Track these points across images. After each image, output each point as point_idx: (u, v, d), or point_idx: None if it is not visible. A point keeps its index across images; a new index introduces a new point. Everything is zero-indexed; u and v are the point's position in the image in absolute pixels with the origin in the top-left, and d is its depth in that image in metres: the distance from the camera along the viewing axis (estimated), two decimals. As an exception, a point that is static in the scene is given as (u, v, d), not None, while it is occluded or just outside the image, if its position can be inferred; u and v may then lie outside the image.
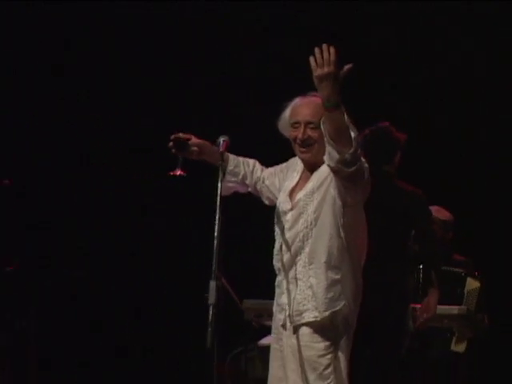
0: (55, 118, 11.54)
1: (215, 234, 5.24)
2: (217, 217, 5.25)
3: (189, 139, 5.79)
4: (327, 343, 5.51)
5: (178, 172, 5.74)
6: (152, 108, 11.77)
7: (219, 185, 5.46)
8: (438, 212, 8.54)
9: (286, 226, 5.65)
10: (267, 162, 6.12)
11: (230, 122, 10.35)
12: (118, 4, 11.73)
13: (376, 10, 11.85)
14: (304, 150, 5.58)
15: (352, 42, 11.09)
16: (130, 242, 9.81)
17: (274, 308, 5.76)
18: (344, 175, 5.21)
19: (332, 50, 5.07)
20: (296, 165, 5.82)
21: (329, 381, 5.47)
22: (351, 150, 5.11)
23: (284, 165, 5.95)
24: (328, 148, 5.16)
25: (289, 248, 5.61)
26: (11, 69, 11.78)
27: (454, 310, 8.36)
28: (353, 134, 5.13)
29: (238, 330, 7.83)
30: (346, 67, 5.09)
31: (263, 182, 5.96)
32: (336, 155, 5.13)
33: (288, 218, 5.64)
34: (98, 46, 11.90)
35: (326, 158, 5.22)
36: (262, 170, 5.98)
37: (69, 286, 9.05)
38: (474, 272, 8.94)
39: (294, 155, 5.83)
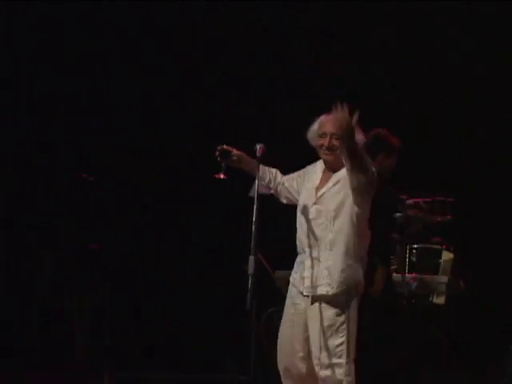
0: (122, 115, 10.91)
1: (253, 219, 5.64)
2: (255, 207, 5.68)
3: (231, 151, 6.06)
4: (341, 307, 5.87)
5: (222, 176, 6.06)
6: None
7: (256, 182, 5.88)
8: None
9: (311, 216, 5.95)
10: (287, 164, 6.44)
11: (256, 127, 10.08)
12: (121, 4, 11.04)
13: (376, 10, 11.27)
14: (328, 153, 5.89)
15: (352, 42, 11.16)
16: (189, 229, 9.37)
17: (292, 279, 6.10)
18: (361, 193, 5.75)
19: (344, 109, 5.49)
20: (314, 169, 6.19)
21: (342, 334, 5.83)
22: (368, 177, 5.68)
23: (302, 171, 6.29)
24: (349, 175, 5.70)
25: (313, 235, 5.95)
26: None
27: (436, 278, 8.58)
28: (368, 163, 5.72)
29: (270, 295, 7.86)
30: (355, 118, 5.52)
31: (283, 184, 6.25)
32: (355, 182, 5.67)
33: (312, 210, 5.95)
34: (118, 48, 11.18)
35: (349, 180, 5.71)
36: (282, 177, 6.28)
37: (136, 262, 9.10)
38: (449, 246, 8.99)
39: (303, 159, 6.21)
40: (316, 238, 5.97)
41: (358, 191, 5.79)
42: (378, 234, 6.87)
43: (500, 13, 10.90)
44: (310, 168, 6.26)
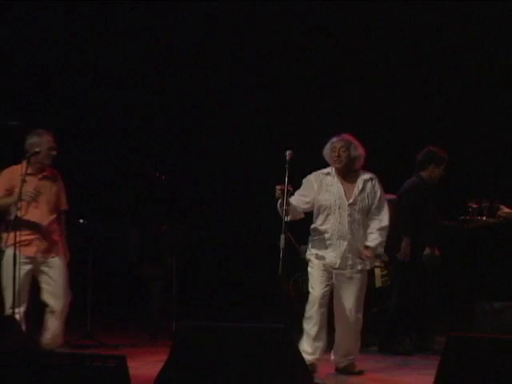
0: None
1: (284, 210, 6.11)
2: (284, 202, 6.11)
3: (292, 191, 6.30)
4: (365, 275, 6.61)
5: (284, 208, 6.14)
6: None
7: (286, 179, 6.21)
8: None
9: (347, 212, 6.38)
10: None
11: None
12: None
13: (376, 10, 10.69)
14: (338, 161, 6.38)
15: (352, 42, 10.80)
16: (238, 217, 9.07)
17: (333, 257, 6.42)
18: None
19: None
20: (317, 178, 6.52)
21: (364, 291, 6.57)
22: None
23: (306, 185, 6.54)
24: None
25: (350, 225, 6.38)
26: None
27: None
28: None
29: (296, 264, 7.97)
30: None
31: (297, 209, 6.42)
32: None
33: (348, 210, 6.38)
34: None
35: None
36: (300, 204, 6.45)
37: (195, 239, 8.95)
38: None
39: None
40: (347, 230, 6.38)
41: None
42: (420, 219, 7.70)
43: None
44: (318, 179, 6.53)
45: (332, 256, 6.38)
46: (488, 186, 9.15)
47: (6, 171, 6.93)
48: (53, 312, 6.95)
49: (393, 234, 7.78)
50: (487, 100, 10.54)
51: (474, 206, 7.77)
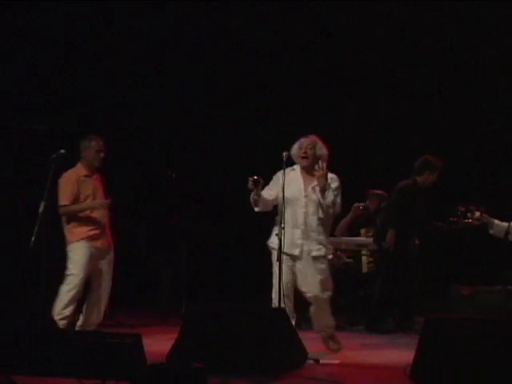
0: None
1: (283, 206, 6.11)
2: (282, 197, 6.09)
3: (260, 181, 6.13)
4: (326, 260, 6.35)
5: (255, 197, 6.14)
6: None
7: (283, 178, 6.16)
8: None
9: (303, 203, 6.25)
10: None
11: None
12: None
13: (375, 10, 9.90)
14: (304, 158, 6.26)
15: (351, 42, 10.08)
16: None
17: (289, 244, 6.23)
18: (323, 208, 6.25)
19: (324, 165, 6.11)
20: (289, 175, 6.31)
21: (326, 274, 6.32)
22: (328, 203, 6.19)
23: (274, 180, 6.39)
24: (321, 199, 6.19)
25: (305, 216, 6.25)
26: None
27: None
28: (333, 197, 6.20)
29: None
30: (325, 166, 6.10)
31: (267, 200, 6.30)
32: (324, 202, 6.18)
33: (303, 200, 6.25)
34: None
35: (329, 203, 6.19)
36: (268, 197, 6.31)
37: (202, 229, 8.78)
38: None
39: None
40: (304, 220, 6.26)
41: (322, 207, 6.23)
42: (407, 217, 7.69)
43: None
44: (278, 175, 6.36)
45: (288, 244, 6.20)
46: (479, 190, 8.89)
47: (67, 179, 6.86)
48: (98, 300, 6.98)
49: (380, 226, 8.03)
50: (482, 103, 10.00)
51: (462, 209, 7.65)
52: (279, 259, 6.06)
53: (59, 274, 6.93)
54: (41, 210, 6.40)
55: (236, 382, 5.00)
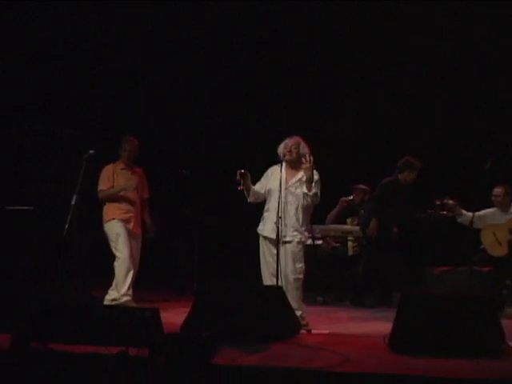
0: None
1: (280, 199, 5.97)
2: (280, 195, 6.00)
3: (247, 174, 6.10)
4: (301, 245, 6.18)
5: (240, 188, 6.09)
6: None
7: (281, 172, 6.12)
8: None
9: (283, 194, 6.06)
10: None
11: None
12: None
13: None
14: (289, 155, 6.13)
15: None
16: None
17: (269, 229, 6.15)
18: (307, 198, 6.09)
19: (311, 161, 5.99)
20: (275, 170, 6.23)
21: (302, 262, 6.15)
22: (313, 193, 6.05)
23: (265, 175, 6.33)
24: (306, 189, 6.04)
25: (284, 206, 6.11)
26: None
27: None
28: (316, 189, 6.07)
29: None
30: (311, 159, 5.99)
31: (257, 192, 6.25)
32: (309, 193, 6.05)
33: (284, 192, 6.09)
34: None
35: (307, 193, 6.04)
36: (259, 190, 6.26)
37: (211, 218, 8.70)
38: None
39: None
40: (286, 209, 6.11)
41: (308, 199, 6.10)
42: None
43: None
44: (271, 170, 6.30)
45: (269, 229, 6.15)
46: (452, 186, 8.48)
47: (106, 170, 7.18)
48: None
49: (365, 216, 8.02)
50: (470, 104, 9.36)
51: (439, 202, 7.80)
52: (277, 245, 6.02)
53: (89, 255, 7.09)
54: (73, 202, 6.41)
55: (239, 348, 4.97)
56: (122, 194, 7.09)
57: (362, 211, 8.29)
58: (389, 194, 7.82)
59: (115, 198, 7.12)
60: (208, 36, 9.61)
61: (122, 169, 7.21)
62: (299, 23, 9.48)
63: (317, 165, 6.16)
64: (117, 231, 7.02)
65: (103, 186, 7.11)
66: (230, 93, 9.76)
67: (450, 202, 7.83)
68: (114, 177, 7.15)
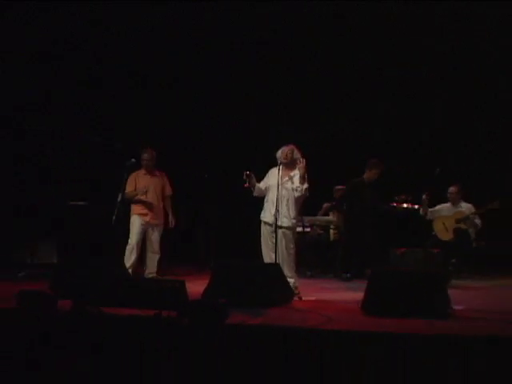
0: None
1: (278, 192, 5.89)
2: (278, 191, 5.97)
3: (252, 174, 6.04)
4: (293, 230, 6.08)
5: (246, 185, 6.05)
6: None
7: (279, 172, 6.02)
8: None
9: (278, 189, 5.96)
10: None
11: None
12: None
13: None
14: (285, 159, 6.06)
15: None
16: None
17: (268, 216, 6.03)
18: (297, 192, 5.99)
19: (304, 162, 5.91)
20: (275, 171, 6.08)
21: (293, 241, 6.06)
22: (303, 187, 5.97)
23: (266, 176, 6.23)
24: (300, 183, 5.95)
25: (280, 199, 6.00)
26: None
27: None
28: (307, 185, 5.94)
29: None
30: (303, 162, 5.89)
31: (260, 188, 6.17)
32: (302, 187, 5.96)
33: (280, 187, 5.98)
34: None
35: (295, 188, 5.94)
36: (262, 186, 6.15)
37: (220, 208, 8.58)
38: None
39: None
40: (281, 200, 5.99)
41: (296, 192, 6.01)
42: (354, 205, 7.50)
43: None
44: (270, 171, 6.20)
45: (268, 217, 6.09)
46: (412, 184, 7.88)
47: (131, 176, 7.02)
48: (150, 258, 7.07)
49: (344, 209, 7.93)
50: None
51: (402, 197, 7.77)
52: (275, 231, 5.97)
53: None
54: (119, 199, 6.47)
55: (246, 312, 4.93)
56: (139, 195, 7.01)
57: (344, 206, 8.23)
58: (354, 191, 7.67)
59: (135, 198, 7.04)
60: (211, 37, 8.41)
61: (144, 174, 7.11)
62: (299, 23, 8.26)
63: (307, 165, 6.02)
64: (132, 224, 7.00)
65: (128, 189, 6.94)
66: (240, 104, 8.92)
67: (409, 198, 7.79)
68: (135, 181, 7.06)
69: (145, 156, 7.08)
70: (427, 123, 8.42)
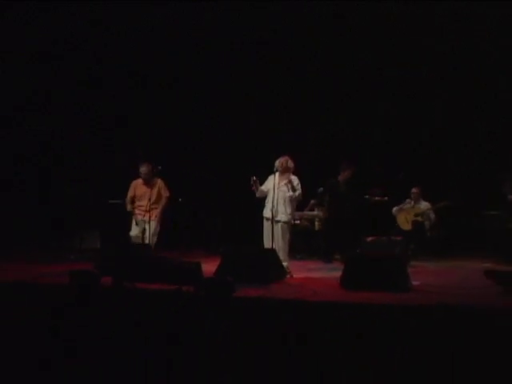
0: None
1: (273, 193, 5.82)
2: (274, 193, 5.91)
3: (258, 180, 5.94)
4: (288, 223, 6.02)
5: (252, 188, 5.97)
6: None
7: (275, 177, 5.96)
8: None
9: (276, 192, 5.92)
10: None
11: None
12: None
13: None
14: (282, 167, 5.96)
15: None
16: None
17: (268, 213, 5.92)
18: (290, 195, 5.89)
19: (291, 180, 5.75)
20: (272, 177, 6.01)
21: (287, 232, 5.97)
22: (295, 193, 5.90)
23: (267, 180, 6.09)
24: (290, 189, 5.89)
25: (277, 198, 5.94)
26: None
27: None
28: (296, 189, 5.86)
29: None
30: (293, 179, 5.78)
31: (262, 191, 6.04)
32: (295, 194, 5.91)
33: (277, 190, 5.94)
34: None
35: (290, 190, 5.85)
36: (263, 189, 6.01)
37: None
38: None
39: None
40: (278, 199, 5.90)
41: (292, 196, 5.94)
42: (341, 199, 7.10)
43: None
44: (270, 177, 6.07)
45: (267, 213, 6.00)
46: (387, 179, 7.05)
47: (132, 183, 6.77)
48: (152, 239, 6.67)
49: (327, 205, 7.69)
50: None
51: (375, 190, 7.51)
52: (271, 225, 5.92)
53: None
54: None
55: (249, 287, 4.88)
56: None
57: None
58: (331, 190, 7.31)
59: (133, 202, 6.73)
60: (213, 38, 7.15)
61: (142, 184, 6.74)
62: (299, 23, 7.09)
63: (296, 170, 5.81)
64: (133, 221, 6.71)
65: (128, 195, 6.72)
66: (240, 104, 7.69)
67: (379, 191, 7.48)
68: (134, 189, 6.74)
69: (143, 169, 6.72)
70: (427, 123, 7.37)
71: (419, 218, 7.58)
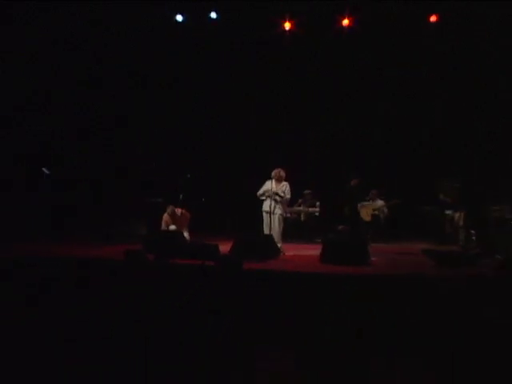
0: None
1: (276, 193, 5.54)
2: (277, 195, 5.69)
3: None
4: (282, 215, 5.80)
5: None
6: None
7: (272, 183, 5.73)
8: None
9: (272, 194, 5.67)
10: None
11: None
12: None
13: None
14: (277, 176, 5.71)
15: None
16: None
17: (266, 208, 5.66)
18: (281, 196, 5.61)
19: (283, 188, 5.46)
20: (268, 182, 5.72)
21: (281, 223, 5.73)
22: (283, 198, 5.68)
23: (264, 184, 5.77)
24: (283, 195, 5.65)
25: (274, 199, 5.71)
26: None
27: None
28: (288, 195, 5.60)
29: None
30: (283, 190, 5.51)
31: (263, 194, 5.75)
32: (285, 198, 5.69)
33: (272, 193, 5.71)
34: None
35: (282, 197, 5.57)
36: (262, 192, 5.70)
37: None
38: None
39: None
40: (274, 200, 5.69)
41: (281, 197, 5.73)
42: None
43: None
44: (267, 182, 5.81)
45: (266, 207, 5.71)
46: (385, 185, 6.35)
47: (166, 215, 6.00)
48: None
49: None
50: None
51: (375, 191, 7.32)
52: (270, 217, 5.88)
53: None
54: (180, 198, 6.09)
55: (254, 262, 4.81)
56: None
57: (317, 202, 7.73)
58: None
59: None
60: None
61: (171, 215, 5.91)
62: (299, 23, 5.77)
63: (287, 177, 5.40)
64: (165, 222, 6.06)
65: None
66: (240, 104, 6.36)
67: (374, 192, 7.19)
68: (169, 218, 5.87)
69: (167, 209, 5.80)
70: (427, 123, 6.10)
71: (376, 212, 7.56)
